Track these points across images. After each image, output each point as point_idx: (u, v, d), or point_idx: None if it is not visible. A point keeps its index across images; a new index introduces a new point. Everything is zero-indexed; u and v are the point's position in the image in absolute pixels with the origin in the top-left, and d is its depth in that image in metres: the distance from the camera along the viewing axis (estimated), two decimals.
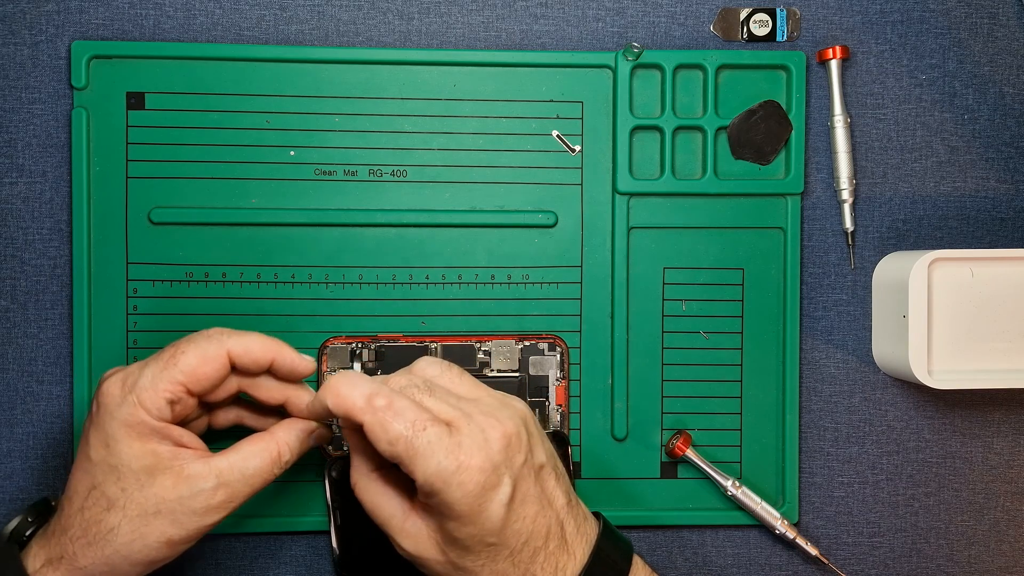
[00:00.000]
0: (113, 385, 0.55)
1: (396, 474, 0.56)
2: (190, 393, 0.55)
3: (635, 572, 0.58)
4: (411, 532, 0.55)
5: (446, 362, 0.57)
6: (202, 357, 0.55)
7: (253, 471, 0.56)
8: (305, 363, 0.58)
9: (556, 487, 0.56)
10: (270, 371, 0.58)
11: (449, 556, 0.55)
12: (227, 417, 0.61)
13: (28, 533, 0.57)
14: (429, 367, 0.56)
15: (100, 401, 0.55)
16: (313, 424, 0.58)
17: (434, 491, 0.52)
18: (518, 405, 0.56)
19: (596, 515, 0.59)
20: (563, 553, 0.55)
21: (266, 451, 0.56)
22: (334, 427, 0.60)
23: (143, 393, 0.54)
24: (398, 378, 0.55)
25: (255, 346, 0.56)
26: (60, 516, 0.55)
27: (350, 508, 0.64)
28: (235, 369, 0.57)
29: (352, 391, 0.53)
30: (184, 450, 0.55)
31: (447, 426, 0.53)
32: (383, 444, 0.52)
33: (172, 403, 0.55)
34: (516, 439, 0.54)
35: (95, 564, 0.54)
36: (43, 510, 0.59)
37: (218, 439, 0.61)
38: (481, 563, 0.54)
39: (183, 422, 0.57)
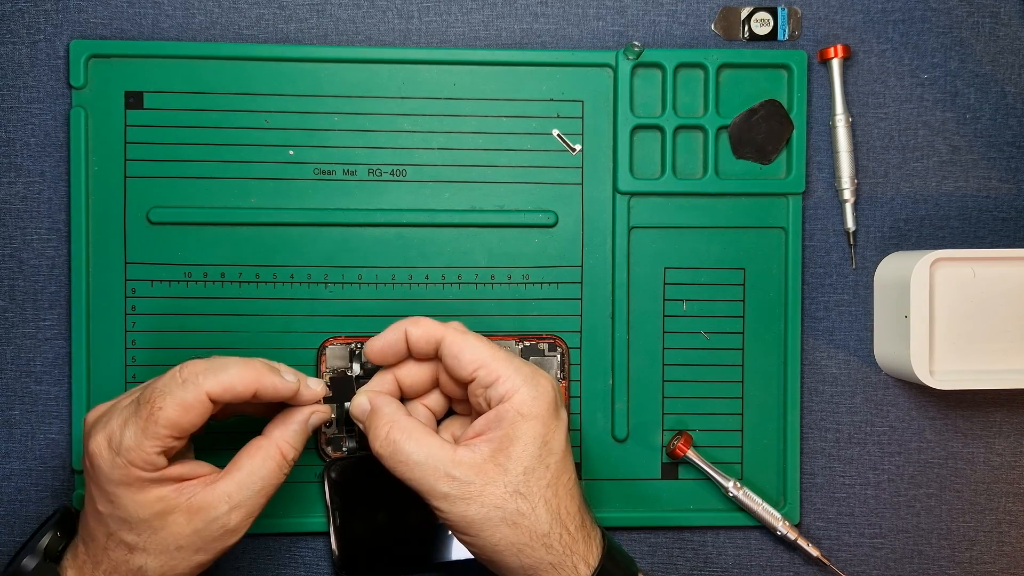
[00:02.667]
0: (100, 447, 0.53)
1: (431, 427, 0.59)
2: (178, 439, 0.54)
3: None
4: (465, 460, 0.55)
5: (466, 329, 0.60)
6: (181, 408, 0.53)
7: (262, 483, 0.55)
8: (288, 386, 0.56)
9: (576, 482, 0.59)
10: (255, 397, 0.56)
11: (509, 475, 0.55)
12: (225, 414, 0.60)
13: (60, 548, 0.57)
14: (456, 325, 0.59)
15: (92, 462, 0.54)
16: (307, 411, 0.57)
17: (514, 388, 0.56)
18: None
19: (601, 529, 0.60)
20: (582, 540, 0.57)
21: (269, 457, 0.56)
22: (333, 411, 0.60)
23: (130, 454, 0.53)
24: (452, 325, 0.58)
25: (235, 383, 0.54)
26: (88, 548, 0.56)
27: (350, 509, 0.64)
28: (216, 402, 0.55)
29: (438, 325, 0.58)
30: (188, 484, 0.55)
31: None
32: (465, 356, 0.56)
33: (162, 452, 0.54)
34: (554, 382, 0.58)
35: None
36: (68, 521, 0.58)
37: (222, 437, 0.61)
38: (547, 481, 0.56)
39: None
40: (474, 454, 0.55)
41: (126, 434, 0.53)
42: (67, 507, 0.60)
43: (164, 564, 0.54)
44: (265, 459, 0.55)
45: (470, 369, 0.56)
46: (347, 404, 0.62)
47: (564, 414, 0.57)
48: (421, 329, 0.58)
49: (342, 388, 0.65)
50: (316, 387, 0.58)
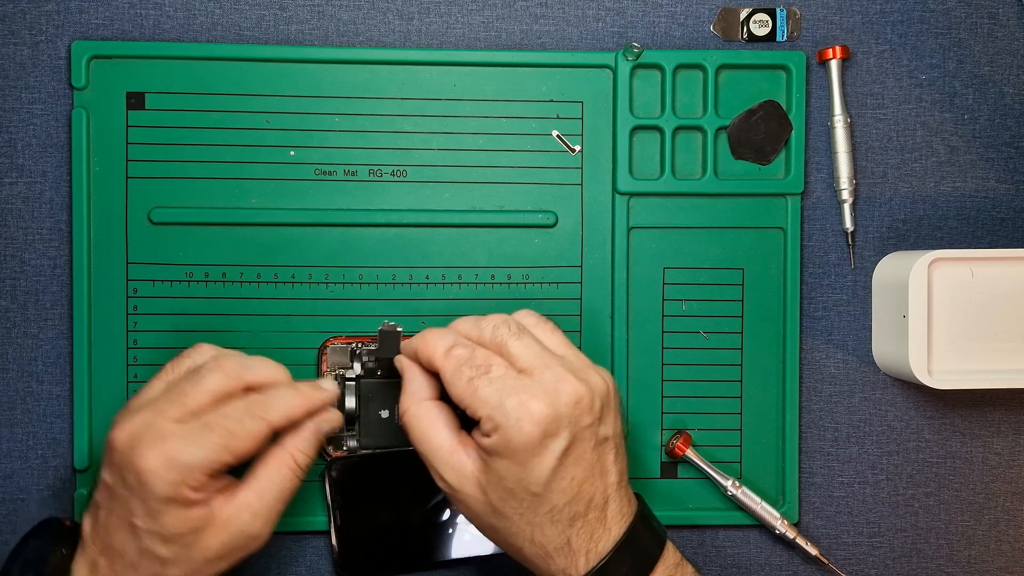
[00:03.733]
0: (156, 465, 0.54)
1: (449, 409, 0.57)
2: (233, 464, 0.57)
3: (666, 559, 0.58)
4: (456, 466, 0.56)
5: (543, 316, 0.59)
6: (252, 441, 0.56)
7: (278, 490, 0.57)
8: (331, 395, 0.59)
9: (614, 463, 0.57)
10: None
11: (489, 497, 0.56)
12: None
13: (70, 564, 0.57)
14: (527, 316, 0.59)
15: (142, 479, 0.54)
16: (319, 419, 0.58)
17: (495, 426, 0.54)
18: (604, 375, 0.58)
19: (638, 496, 0.60)
20: (600, 526, 0.56)
21: (283, 465, 0.57)
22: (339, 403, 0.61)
23: (192, 474, 0.54)
24: (495, 316, 0.58)
25: (293, 413, 0.57)
26: (113, 564, 0.56)
27: (350, 508, 0.65)
28: None
29: (438, 342, 0.57)
30: (215, 498, 0.56)
31: (520, 372, 0.56)
32: (456, 389, 0.56)
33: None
34: (588, 401, 0.55)
35: None
36: (68, 537, 0.58)
37: None
38: (521, 511, 0.55)
39: None
40: (464, 464, 0.56)
41: (192, 455, 0.54)
42: (58, 520, 0.59)
43: (194, 572, 0.56)
44: (279, 467, 0.57)
45: (458, 401, 0.56)
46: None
47: (557, 443, 0.55)
48: (423, 358, 0.58)
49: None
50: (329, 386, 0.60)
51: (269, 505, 0.57)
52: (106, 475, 0.56)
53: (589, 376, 0.56)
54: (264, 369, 0.58)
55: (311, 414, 0.58)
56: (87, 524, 0.57)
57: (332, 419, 0.59)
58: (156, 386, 0.58)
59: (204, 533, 0.55)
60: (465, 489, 0.56)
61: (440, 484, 0.57)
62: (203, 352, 0.58)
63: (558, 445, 0.55)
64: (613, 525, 0.57)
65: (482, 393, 0.55)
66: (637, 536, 0.57)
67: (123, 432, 0.55)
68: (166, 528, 0.55)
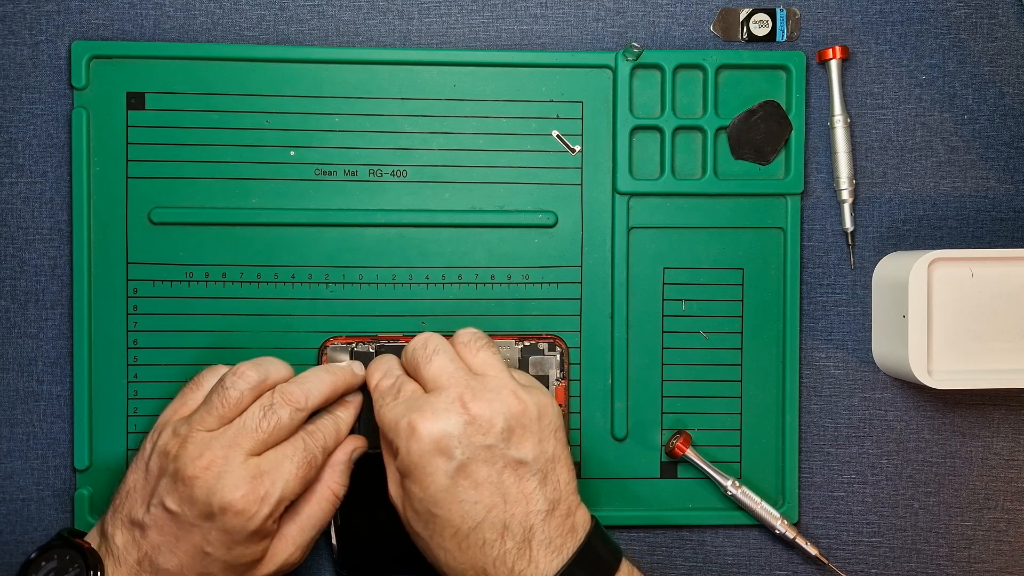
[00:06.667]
0: (248, 499, 0.56)
1: None
2: None
3: None
4: (392, 478, 0.59)
5: (481, 335, 0.60)
6: (324, 459, 0.60)
7: (319, 523, 0.61)
8: (360, 376, 0.63)
9: (537, 490, 0.56)
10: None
11: (407, 514, 0.58)
12: None
13: None
14: (461, 335, 0.60)
15: (232, 511, 0.56)
16: (348, 449, 0.62)
17: (395, 447, 0.56)
18: (530, 398, 0.57)
19: (593, 520, 0.58)
20: (522, 557, 0.55)
21: (324, 499, 0.61)
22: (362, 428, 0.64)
23: (280, 507, 0.57)
24: (421, 338, 0.60)
25: (346, 439, 0.62)
26: None
27: (351, 508, 0.65)
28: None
29: (373, 372, 0.61)
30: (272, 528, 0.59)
31: (428, 393, 0.57)
32: (376, 415, 0.59)
33: None
34: (487, 422, 0.55)
35: None
36: (82, 553, 0.58)
37: None
38: (429, 532, 0.56)
39: None
40: (392, 483, 0.59)
41: (287, 485, 0.58)
42: (77, 542, 0.59)
43: None
44: (321, 501, 0.61)
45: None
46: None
47: (446, 462, 0.55)
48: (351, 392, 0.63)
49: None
50: (359, 370, 0.64)
51: (309, 537, 0.60)
52: (171, 504, 0.56)
53: (501, 397, 0.56)
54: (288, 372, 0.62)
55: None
56: (122, 539, 0.58)
57: (360, 447, 0.62)
58: (189, 396, 0.61)
59: (261, 563, 0.58)
60: (396, 502, 0.59)
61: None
62: (244, 375, 0.60)
63: (448, 464, 0.55)
64: (541, 559, 0.55)
65: (384, 416, 0.58)
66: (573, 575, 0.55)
67: (195, 466, 0.56)
68: (240, 557, 0.57)
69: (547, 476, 0.56)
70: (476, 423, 0.55)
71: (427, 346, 0.59)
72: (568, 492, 0.57)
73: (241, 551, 0.57)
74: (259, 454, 0.57)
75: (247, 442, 0.57)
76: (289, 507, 0.59)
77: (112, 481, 0.64)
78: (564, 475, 0.57)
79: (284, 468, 0.57)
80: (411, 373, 0.60)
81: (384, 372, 0.61)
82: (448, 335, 0.62)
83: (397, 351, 0.65)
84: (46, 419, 0.66)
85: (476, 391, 0.56)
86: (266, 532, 0.57)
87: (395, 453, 0.57)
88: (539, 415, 0.57)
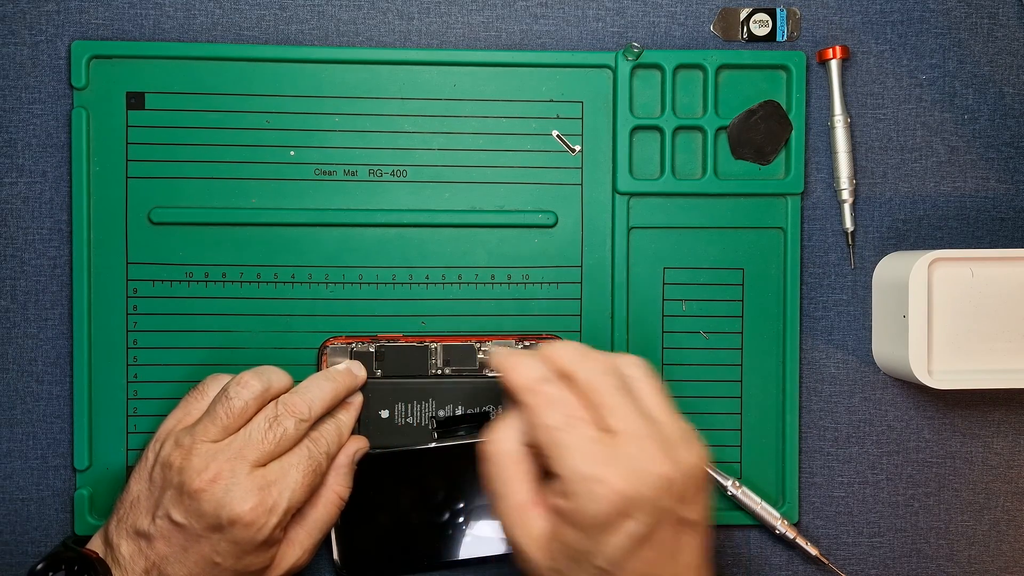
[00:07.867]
0: (257, 511, 0.56)
1: (537, 462, 0.54)
2: None
3: None
4: (526, 526, 0.53)
5: (651, 369, 0.55)
6: (328, 465, 0.61)
7: (325, 526, 0.62)
8: (361, 377, 0.65)
9: (695, 550, 0.53)
10: None
11: (555, 562, 0.52)
12: None
13: None
14: (633, 367, 0.54)
15: (241, 523, 0.56)
16: (351, 450, 0.62)
17: (571, 492, 0.50)
18: (697, 449, 0.53)
19: None
20: None
21: (330, 503, 0.62)
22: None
23: (287, 517, 0.58)
24: (598, 358, 0.54)
25: (349, 441, 0.63)
26: None
27: (351, 509, 0.64)
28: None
29: (526, 371, 0.53)
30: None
31: (609, 433, 0.51)
32: (535, 429, 0.52)
33: None
34: (679, 484, 0.51)
35: None
36: (90, 563, 0.58)
37: None
38: None
39: None
40: (534, 526, 0.53)
41: (292, 497, 0.58)
42: (84, 551, 0.59)
43: None
44: (326, 505, 0.62)
45: (534, 442, 0.53)
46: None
47: (633, 525, 0.50)
48: (505, 382, 0.55)
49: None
50: (359, 371, 0.65)
51: (316, 540, 0.61)
52: (178, 516, 0.57)
53: (680, 454, 0.51)
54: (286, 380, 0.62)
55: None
56: (128, 549, 0.58)
57: (362, 448, 0.63)
58: (192, 406, 0.61)
59: (270, 568, 0.59)
60: (530, 550, 0.53)
61: (505, 535, 0.54)
62: (247, 384, 0.60)
63: (634, 528, 0.50)
64: None
65: (563, 450, 0.51)
66: None
67: (201, 479, 0.56)
68: (250, 565, 0.58)
69: (704, 532, 0.53)
70: (667, 486, 0.51)
71: (614, 374, 0.53)
72: (710, 554, 0.55)
73: (250, 560, 0.57)
74: (264, 465, 0.58)
75: (252, 454, 0.57)
76: (295, 512, 0.59)
77: (112, 481, 0.64)
78: (710, 534, 0.54)
79: (290, 477, 0.58)
80: (583, 394, 0.53)
81: (542, 375, 0.53)
82: (455, 335, 0.62)
83: (397, 351, 0.65)
84: (46, 419, 0.66)
85: (664, 446, 0.51)
86: (274, 540, 0.58)
87: (564, 495, 0.51)
88: (709, 468, 0.56)
